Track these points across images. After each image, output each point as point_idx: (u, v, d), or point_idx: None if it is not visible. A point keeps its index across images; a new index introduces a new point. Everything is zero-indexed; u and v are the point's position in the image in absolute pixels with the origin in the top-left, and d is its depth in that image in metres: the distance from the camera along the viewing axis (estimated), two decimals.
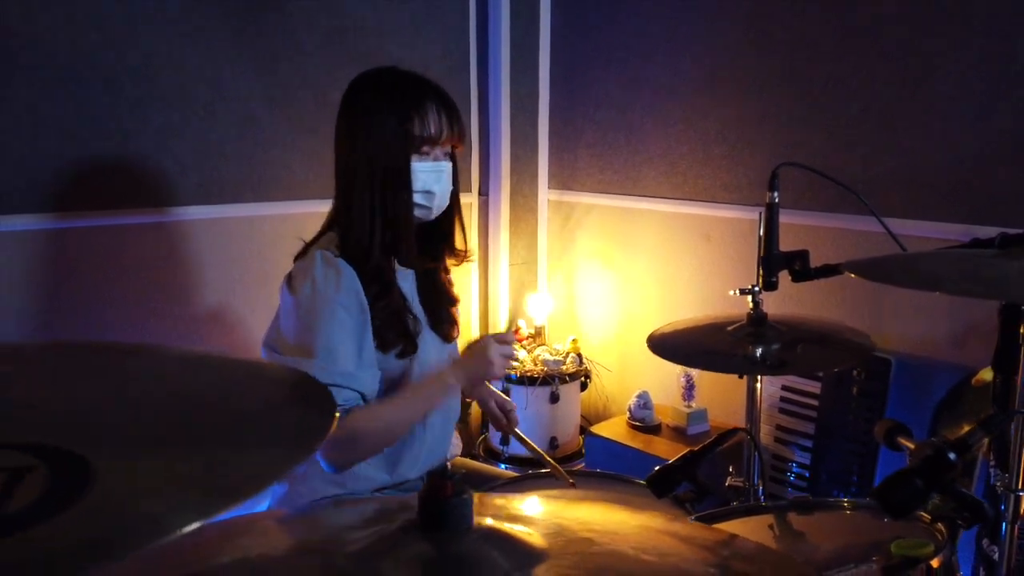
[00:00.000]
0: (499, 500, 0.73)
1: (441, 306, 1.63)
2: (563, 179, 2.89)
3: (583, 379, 2.60)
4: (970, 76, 1.89)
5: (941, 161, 1.96)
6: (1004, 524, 1.19)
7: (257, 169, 2.30)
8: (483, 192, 2.86)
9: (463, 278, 2.74)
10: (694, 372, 2.37)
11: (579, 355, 2.63)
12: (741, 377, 1.62)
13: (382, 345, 1.47)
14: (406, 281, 1.57)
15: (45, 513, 0.32)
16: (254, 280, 2.29)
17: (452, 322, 1.66)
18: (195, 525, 0.32)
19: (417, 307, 1.57)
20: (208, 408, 0.46)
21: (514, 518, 0.64)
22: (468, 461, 1.88)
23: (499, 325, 2.88)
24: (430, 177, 1.47)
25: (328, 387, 0.55)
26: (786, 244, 1.52)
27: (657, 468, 1.36)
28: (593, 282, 2.83)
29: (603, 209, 2.76)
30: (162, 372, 0.53)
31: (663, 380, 2.53)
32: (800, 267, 1.55)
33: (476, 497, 0.60)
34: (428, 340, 1.57)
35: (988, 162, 1.88)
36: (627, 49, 2.62)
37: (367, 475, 1.52)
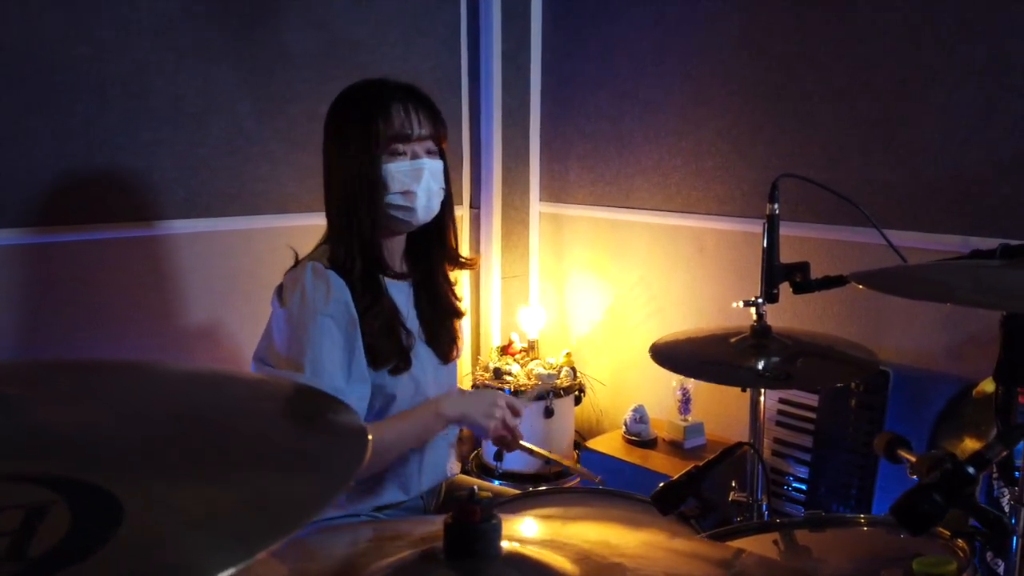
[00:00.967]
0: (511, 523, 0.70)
1: (439, 319, 1.60)
2: (555, 191, 2.87)
3: (577, 393, 2.58)
4: (966, 88, 1.90)
5: (938, 173, 1.96)
6: (1016, 538, 1.18)
7: (247, 183, 2.27)
8: (474, 205, 2.84)
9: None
10: (690, 385, 2.36)
11: (573, 369, 2.60)
12: (744, 390, 1.60)
13: (374, 361, 1.43)
14: (401, 293, 1.53)
15: (73, 556, 0.28)
16: (243, 294, 2.25)
17: (452, 339, 1.62)
18: (234, 569, 0.29)
19: (412, 321, 1.54)
20: (232, 431, 0.43)
21: (539, 542, 0.61)
22: (467, 478, 1.84)
23: (492, 339, 2.85)
24: (407, 176, 1.43)
25: None
26: (783, 256, 1.51)
27: (662, 485, 1.33)
28: (586, 295, 2.81)
29: (595, 221, 2.75)
30: (171, 390, 0.49)
31: (658, 393, 2.51)
32: (801, 279, 1.54)
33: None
34: (423, 356, 1.54)
35: (986, 174, 1.88)
36: (618, 63, 2.61)
37: (367, 494, 1.48)
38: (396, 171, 1.43)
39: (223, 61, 2.18)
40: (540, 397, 2.42)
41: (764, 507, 1.56)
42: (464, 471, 2.52)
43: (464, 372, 2.73)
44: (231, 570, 0.29)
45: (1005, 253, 1.30)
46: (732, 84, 2.33)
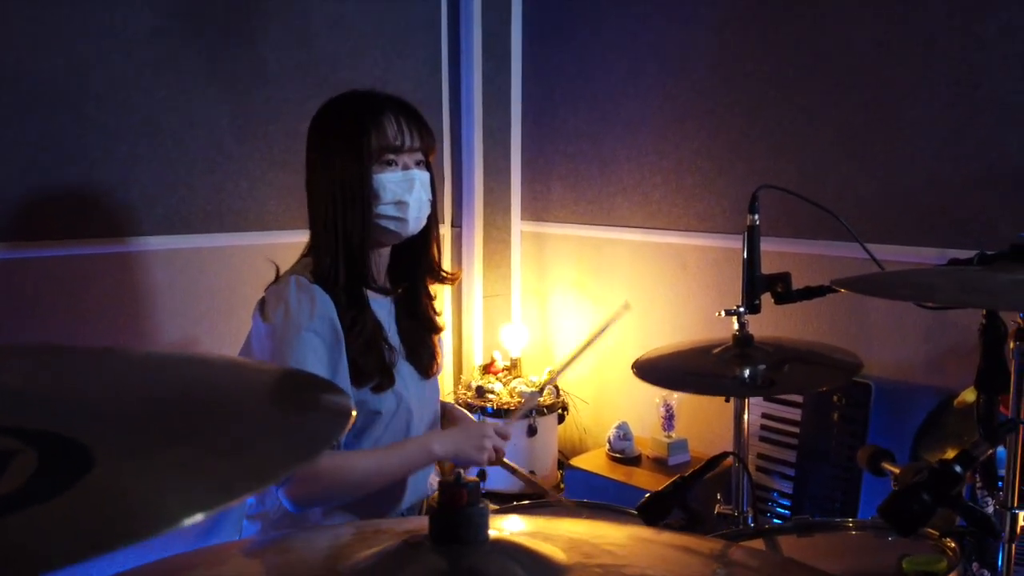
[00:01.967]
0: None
1: (419, 335, 1.58)
2: (536, 210, 2.88)
3: (560, 411, 2.56)
4: (937, 103, 1.93)
5: (913, 186, 1.99)
6: (1002, 545, 1.18)
7: (226, 200, 2.25)
8: (456, 224, 2.83)
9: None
10: (673, 401, 2.35)
11: (556, 387, 2.59)
12: (728, 400, 1.59)
13: (357, 378, 1.41)
14: (382, 308, 1.52)
15: (37, 497, 0.27)
16: (221, 313, 2.22)
17: (431, 354, 1.60)
18: (203, 514, 0.27)
19: (394, 336, 1.52)
20: (212, 401, 0.41)
21: (527, 534, 0.60)
22: None
23: (474, 358, 2.83)
24: (400, 187, 1.43)
25: None
26: (765, 270, 1.51)
27: (648, 495, 1.32)
28: (568, 313, 2.81)
29: (577, 239, 2.75)
30: (153, 366, 0.48)
31: (641, 411, 2.50)
32: (782, 289, 1.54)
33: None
34: (405, 373, 1.52)
35: (960, 187, 1.91)
36: (597, 84, 2.64)
37: (345, 510, 1.45)
38: (388, 181, 1.42)
39: (200, 77, 2.17)
40: (527, 415, 2.40)
41: (750, 519, 1.55)
42: None
43: (446, 391, 2.70)
44: (199, 515, 0.27)
45: (983, 260, 1.32)
46: (709, 103, 2.36)
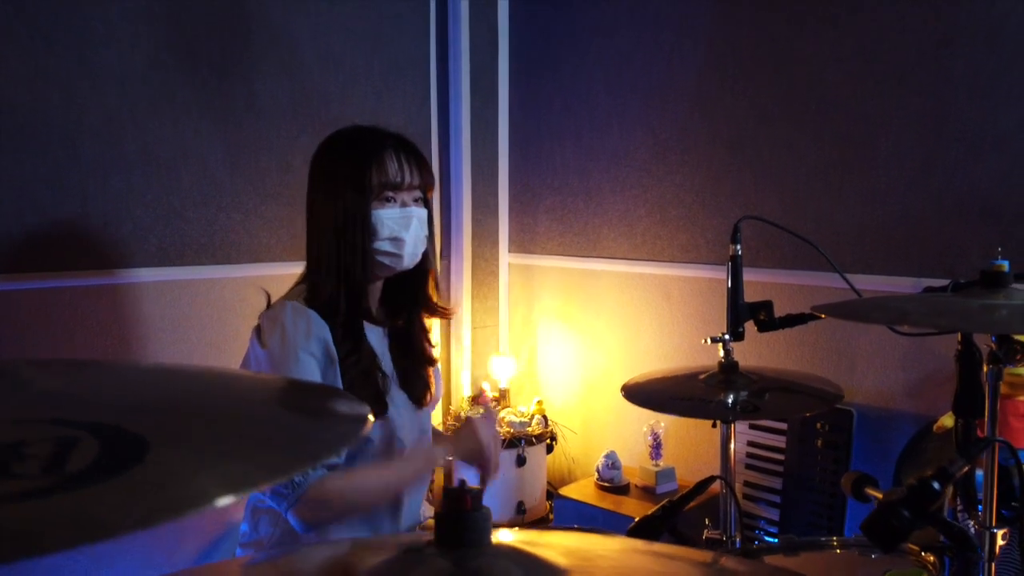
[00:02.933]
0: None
1: (412, 366, 1.60)
2: (524, 243, 2.92)
3: (549, 441, 2.58)
4: (908, 137, 2.01)
5: (887, 218, 2.05)
6: (982, 564, 1.21)
7: (219, 233, 2.28)
8: (444, 256, 2.87)
9: None
10: (660, 430, 2.38)
11: (544, 417, 2.61)
12: (715, 426, 1.63)
13: None
14: (375, 336, 1.54)
15: (105, 474, 0.30)
16: (213, 345, 2.23)
17: (425, 385, 1.62)
18: (231, 498, 0.31)
19: (387, 364, 1.54)
20: (243, 408, 0.44)
21: (523, 543, 0.62)
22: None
23: (463, 389, 2.85)
24: (397, 224, 1.46)
25: None
26: (747, 299, 1.56)
27: (637, 519, 1.34)
28: (555, 343, 2.84)
29: (564, 271, 2.80)
30: (184, 376, 0.51)
31: (628, 440, 2.52)
32: (765, 317, 1.59)
33: None
34: (398, 401, 1.54)
35: (933, 218, 1.98)
36: (582, 119, 2.71)
37: (341, 535, 1.46)
38: (387, 217, 1.45)
39: (194, 111, 2.21)
40: (513, 444, 2.42)
41: (738, 543, 1.57)
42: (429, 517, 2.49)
43: (435, 422, 2.71)
44: (230, 497, 0.31)
45: (956, 288, 1.37)
46: (691, 139, 2.43)
